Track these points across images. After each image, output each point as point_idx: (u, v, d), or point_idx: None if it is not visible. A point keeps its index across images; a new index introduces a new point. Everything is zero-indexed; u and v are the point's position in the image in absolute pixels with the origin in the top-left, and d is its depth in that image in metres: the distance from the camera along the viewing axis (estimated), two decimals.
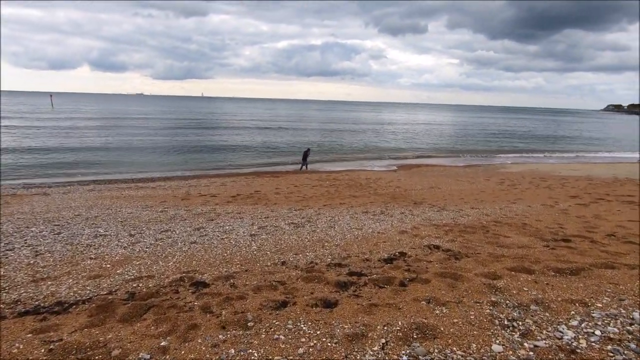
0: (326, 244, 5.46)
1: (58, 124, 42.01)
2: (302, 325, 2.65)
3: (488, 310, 2.69)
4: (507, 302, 2.89)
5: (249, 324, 2.76)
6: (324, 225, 6.73)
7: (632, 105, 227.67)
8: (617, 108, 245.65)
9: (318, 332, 2.52)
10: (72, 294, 3.64)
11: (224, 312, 3.01)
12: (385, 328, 2.46)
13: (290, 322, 2.73)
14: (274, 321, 2.77)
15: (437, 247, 5.12)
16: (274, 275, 4.05)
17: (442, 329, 2.43)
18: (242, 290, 3.57)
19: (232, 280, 3.91)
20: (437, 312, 2.80)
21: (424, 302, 3.03)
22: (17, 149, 23.89)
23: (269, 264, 4.56)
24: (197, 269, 4.37)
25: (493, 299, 2.96)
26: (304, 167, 19.88)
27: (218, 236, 5.94)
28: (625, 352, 2.06)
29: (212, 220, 7.29)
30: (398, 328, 2.43)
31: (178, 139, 32.73)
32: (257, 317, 2.87)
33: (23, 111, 63.47)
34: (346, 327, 2.56)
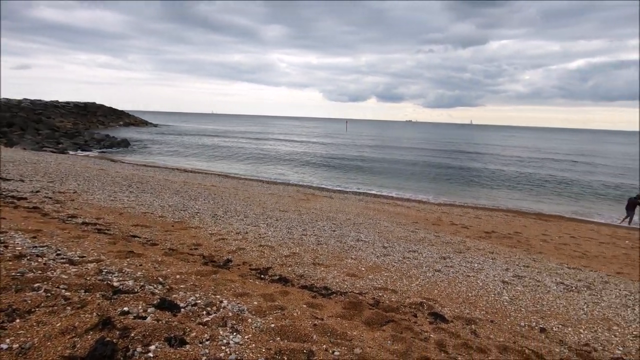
0: (614, 328, 3.97)
1: (346, 142, 53.22)
2: None
3: None
4: None
5: None
6: (613, 300, 4.94)
7: None
8: None
9: None
10: (335, 283, 4.43)
11: (459, 358, 2.75)
12: None
13: None
14: None
15: None
16: (528, 342, 3.33)
17: None
18: (484, 342, 3.15)
19: (473, 326, 3.54)
20: None
21: None
22: (315, 158, 32.06)
23: (522, 324, 3.81)
24: (438, 299, 4.26)
25: None
26: (627, 220, 14.79)
27: (464, 272, 5.57)
28: None
29: (460, 252, 6.93)
30: None
31: (436, 162, 33.63)
32: None
33: (328, 132, 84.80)
34: None
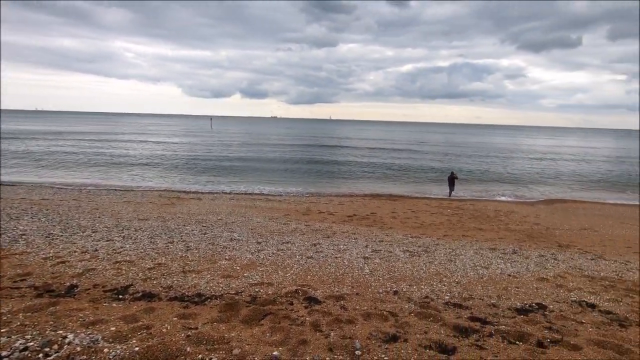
0: (444, 279, 5.00)
1: (213, 141, 50.90)
2: None
3: None
4: None
5: (356, 352, 2.68)
6: (442, 258, 6.21)
7: None
8: None
9: None
10: (209, 288, 4.21)
11: (332, 334, 3.00)
12: None
13: None
14: (383, 355, 2.62)
15: (593, 306, 4.11)
16: (385, 305, 3.88)
17: None
18: (351, 314, 3.52)
19: (342, 302, 3.91)
20: None
21: None
22: (179, 159, 29.75)
23: (380, 290, 4.41)
24: (311, 284, 4.53)
25: None
26: (452, 192, 18.42)
27: (332, 254, 6.08)
28: None
29: (329, 237, 7.53)
30: None
31: (303, 157, 35.56)
32: (365, 347, 2.76)
33: (191, 130, 79.21)
34: None
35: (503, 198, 18.70)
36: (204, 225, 8.20)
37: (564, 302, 4.24)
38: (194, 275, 4.66)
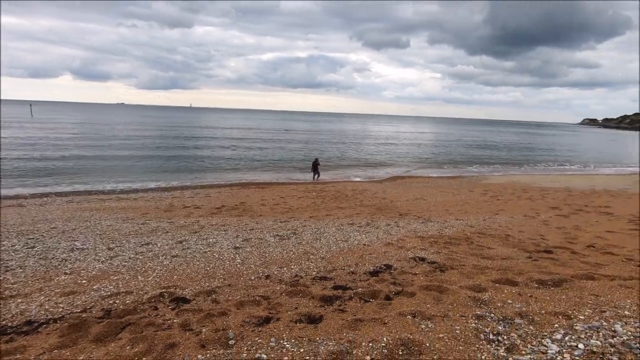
0: (311, 257, 5.39)
1: (35, 134, 40.87)
2: (286, 343, 2.57)
3: (473, 324, 2.68)
4: (492, 315, 2.88)
5: (230, 342, 2.67)
6: (309, 238, 6.66)
7: (606, 119, 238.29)
8: (592, 122, 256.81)
9: (302, 350, 2.44)
10: (43, 312, 3.46)
11: (204, 330, 2.90)
12: (371, 344, 2.41)
13: (273, 339, 2.65)
14: (257, 339, 2.68)
15: (423, 259, 5.11)
16: (258, 290, 3.95)
17: (427, 344, 2.39)
18: (224, 306, 3.46)
19: (214, 296, 3.80)
20: (423, 326, 2.77)
21: (409, 316, 2.99)
22: None
23: (253, 277, 4.46)
24: (178, 284, 4.23)
25: (478, 312, 2.95)
26: (316, 177, 19.91)
27: (201, 249, 5.80)
28: None
29: (196, 232, 7.13)
30: (383, 344, 2.38)
31: (162, 148, 32.23)
32: (239, 334, 2.77)
33: (3, 120, 61.55)
34: (330, 344, 2.49)
35: (358, 179, 21.17)
36: (31, 237, 6.62)
37: (404, 260, 5.14)
38: (19, 300, 3.74)
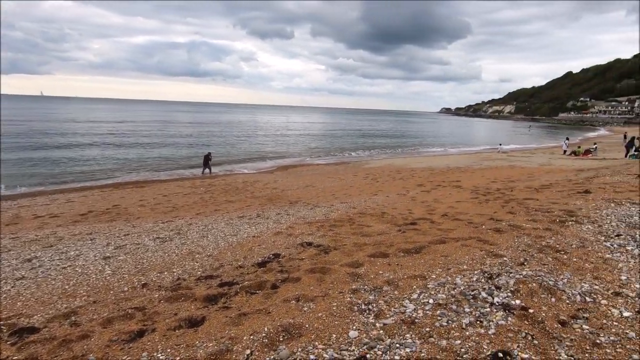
0: (197, 256, 5.09)
1: None
2: (160, 355, 2.36)
3: (349, 299, 2.91)
4: (365, 287, 3.18)
5: None
6: (195, 236, 6.28)
7: (458, 108, 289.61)
8: (447, 111, 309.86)
9: (178, 359, 2.27)
10: None
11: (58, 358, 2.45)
12: (252, 337, 2.39)
13: (145, 354, 2.40)
14: (125, 357, 2.39)
15: (310, 244, 5.33)
16: (131, 302, 3.54)
17: (307, 325, 2.49)
18: (85, 327, 2.99)
19: (73, 318, 3.25)
20: (306, 308, 2.88)
21: (293, 301, 3.07)
22: None
23: (126, 289, 3.97)
24: (24, 311, 3.49)
25: (354, 286, 3.22)
26: (206, 172, 18.90)
27: (58, 265, 4.90)
28: (449, 313, 2.49)
29: (51, 246, 5.98)
30: (264, 334, 2.39)
31: (4, 149, 25.91)
32: (103, 357, 2.43)
33: None
34: (210, 345, 2.39)
35: (247, 171, 20.85)
36: None
37: (292, 246, 5.27)
38: None
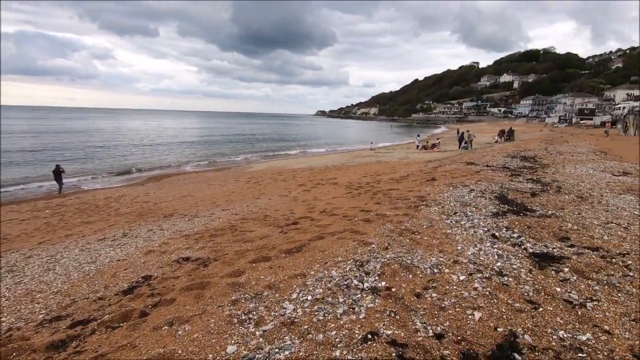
0: (38, 296, 4.13)
1: None
2: None
3: (227, 311, 2.76)
4: (246, 295, 3.07)
5: None
6: (36, 271, 5.10)
7: (331, 111, 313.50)
8: (323, 113, 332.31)
9: None
10: None
11: None
12: None
13: None
14: None
15: (187, 259, 4.91)
16: None
17: (180, 351, 2.26)
18: None
19: None
20: (180, 332, 2.61)
21: (165, 327, 2.76)
22: None
23: None
24: None
25: (234, 297, 3.07)
26: (64, 188, 15.78)
27: None
28: (325, 306, 2.60)
29: None
30: None
31: None
32: None
33: None
34: None
35: (110, 185, 18.19)
36: None
37: (166, 265, 4.76)
38: None
